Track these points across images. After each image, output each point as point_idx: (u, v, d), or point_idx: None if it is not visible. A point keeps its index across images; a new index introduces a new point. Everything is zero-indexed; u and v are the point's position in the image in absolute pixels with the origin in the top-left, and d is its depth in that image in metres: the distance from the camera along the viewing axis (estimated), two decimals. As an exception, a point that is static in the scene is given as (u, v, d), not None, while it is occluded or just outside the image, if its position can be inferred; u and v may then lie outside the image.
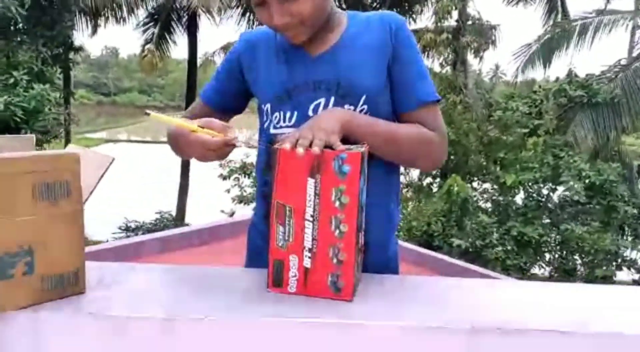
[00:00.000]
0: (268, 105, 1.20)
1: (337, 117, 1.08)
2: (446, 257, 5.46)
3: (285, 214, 0.97)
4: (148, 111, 1.01)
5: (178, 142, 1.17)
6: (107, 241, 11.06)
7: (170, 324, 0.92)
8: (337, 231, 0.97)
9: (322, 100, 1.15)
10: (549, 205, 8.60)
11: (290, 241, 0.98)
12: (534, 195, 8.63)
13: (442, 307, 1.02)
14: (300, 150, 0.96)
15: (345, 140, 1.05)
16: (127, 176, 18.79)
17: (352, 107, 1.15)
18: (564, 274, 8.00)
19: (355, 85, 1.15)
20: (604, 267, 7.88)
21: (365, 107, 1.15)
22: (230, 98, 1.30)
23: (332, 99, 1.15)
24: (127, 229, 10.46)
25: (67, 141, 11.80)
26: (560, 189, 8.47)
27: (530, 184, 8.50)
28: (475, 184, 9.48)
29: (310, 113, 1.16)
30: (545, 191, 8.68)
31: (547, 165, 8.24)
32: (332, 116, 1.08)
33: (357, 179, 0.96)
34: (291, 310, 0.95)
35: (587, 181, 8.04)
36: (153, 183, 17.82)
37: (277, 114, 1.18)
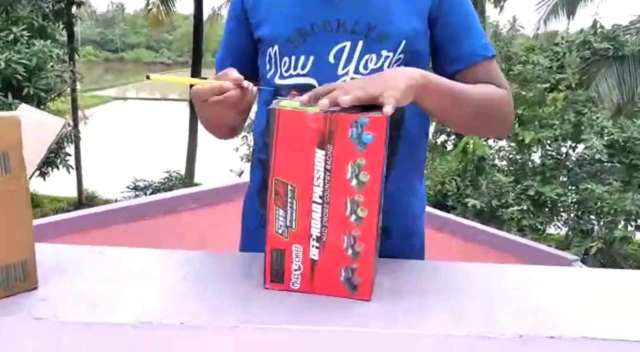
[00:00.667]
0: (275, 48, 0.96)
1: (410, 76, 0.81)
2: (476, 224, 5.23)
3: (287, 194, 0.76)
4: (148, 74, 0.85)
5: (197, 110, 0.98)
6: (116, 200, 11.05)
7: (140, 332, 0.72)
8: (354, 216, 0.76)
9: (347, 45, 0.92)
10: (568, 163, 8.31)
11: (293, 228, 0.77)
12: (553, 153, 8.33)
13: (482, 307, 0.81)
14: (324, 101, 0.74)
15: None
16: (136, 134, 18.68)
17: (390, 56, 0.92)
18: (581, 234, 7.79)
19: (391, 27, 0.92)
20: (623, 228, 7.66)
21: (403, 56, 0.93)
22: (247, 55, 1.04)
23: (361, 43, 0.92)
24: (135, 188, 10.36)
25: (73, 99, 11.58)
26: (581, 147, 8.16)
27: (549, 141, 8.19)
28: (491, 142, 9.17)
29: (331, 59, 0.93)
30: (564, 149, 8.37)
31: (568, 122, 7.91)
32: (404, 74, 0.82)
33: (382, 151, 0.74)
34: (294, 313, 0.76)
35: (609, 138, 7.71)
36: (162, 141, 17.71)
37: (286, 59, 0.95)
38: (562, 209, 8.30)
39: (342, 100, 0.74)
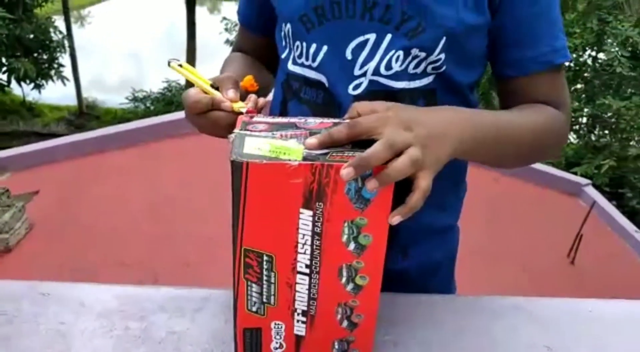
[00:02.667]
0: (288, 26, 0.75)
1: (455, 135, 0.60)
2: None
3: (261, 266, 0.57)
4: (171, 60, 0.71)
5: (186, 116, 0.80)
6: (116, 113, 10.83)
7: None
8: (351, 285, 0.59)
9: (372, 38, 0.70)
10: (586, 75, 7.89)
11: (272, 304, 0.59)
12: (571, 64, 7.87)
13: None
14: (311, 141, 0.55)
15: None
16: (133, 36, 17.94)
17: (422, 56, 0.70)
18: (593, 150, 7.58)
19: (430, 19, 0.68)
20: (638, 145, 7.43)
21: (442, 56, 0.70)
22: (273, 11, 0.81)
23: (388, 37, 0.69)
24: (135, 99, 10.07)
25: (64, 4, 10.90)
26: (602, 57, 7.67)
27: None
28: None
29: (348, 54, 0.71)
30: (582, 59, 7.89)
31: (590, 30, 7.36)
32: (448, 132, 0.60)
33: (388, 206, 0.55)
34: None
35: (632, 48, 7.20)
36: (160, 42, 17.06)
37: (298, 43, 0.75)
38: (575, 124, 8.01)
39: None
